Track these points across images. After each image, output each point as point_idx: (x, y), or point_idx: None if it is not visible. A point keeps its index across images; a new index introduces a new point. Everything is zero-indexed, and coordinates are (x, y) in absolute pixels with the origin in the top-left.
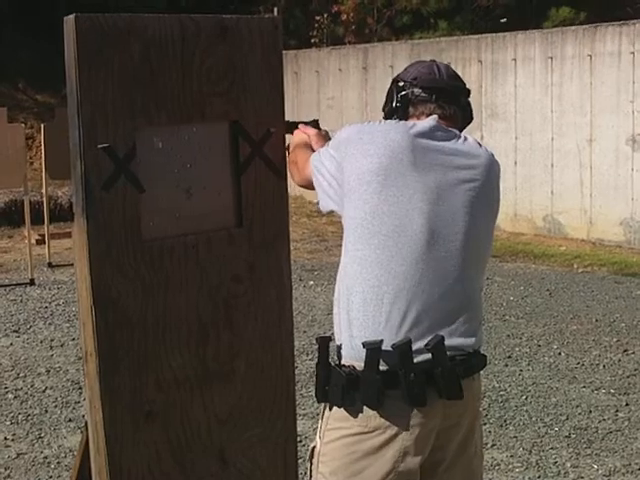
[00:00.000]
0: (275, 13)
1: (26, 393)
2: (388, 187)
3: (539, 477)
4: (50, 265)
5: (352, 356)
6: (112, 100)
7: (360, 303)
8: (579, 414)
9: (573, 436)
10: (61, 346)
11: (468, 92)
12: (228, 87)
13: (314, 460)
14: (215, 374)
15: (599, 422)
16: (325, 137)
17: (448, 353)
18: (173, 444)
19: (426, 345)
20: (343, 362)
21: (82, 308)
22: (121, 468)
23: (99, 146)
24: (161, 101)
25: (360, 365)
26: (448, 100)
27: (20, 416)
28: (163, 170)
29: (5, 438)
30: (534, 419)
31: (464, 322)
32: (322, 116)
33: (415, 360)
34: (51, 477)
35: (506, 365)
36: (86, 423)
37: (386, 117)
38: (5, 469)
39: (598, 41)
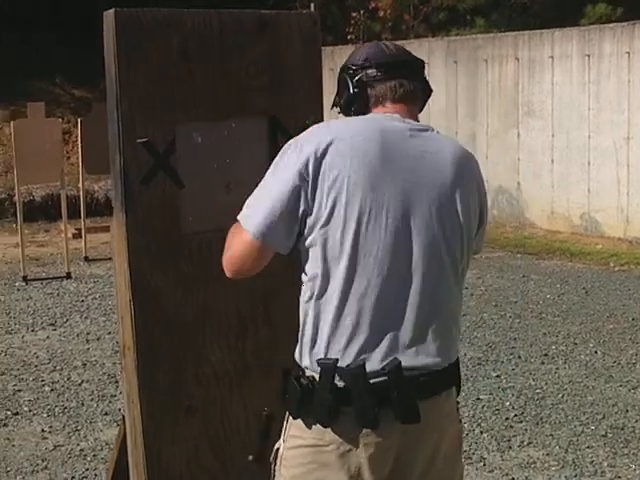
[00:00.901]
0: (312, 9)
1: (62, 386)
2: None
3: (575, 476)
4: (86, 259)
5: (313, 368)
6: (151, 95)
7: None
8: (616, 413)
9: (610, 435)
10: (97, 340)
11: (422, 63)
12: (267, 82)
13: (277, 461)
14: (254, 369)
15: (636, 421)
16: None
17: (411, 373)
18: (212, 439)
19: (382, 368)
20: (306, 372)
21: (121, 302)
22: (159, 462)
23: (138, 141)
24: (200, 96)
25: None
26: (406, 74)
27: (57, 409)
28: (202, 165)
29: (42, 430)
30: (570, 417)
31: (433, 339)
32: None
33: (371, 381)
34: (87, 469)
35: (542, 363)
36: (123, 417)
37: (343, 108)
38: (42, 460)
39: (637, 38)
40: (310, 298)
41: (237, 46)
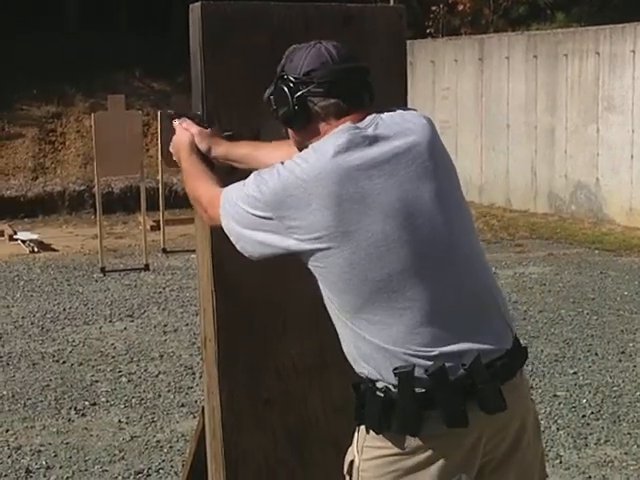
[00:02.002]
0: (392, 2)
1: (139, 377)
2: None
3: None
4: (164, 251)
5: (386, 379)
6: (237, 89)
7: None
8: None
9: None
10: (174, 331)
11: (367, 70)
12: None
13: (353, 474)
14: (332, 363)
15: None
16: (212, 135)
17: (487, 360)
18: (290, 432)
19: (462, 364)
20: (377, 384)
21: (203, 293)
22: (237, 454)
23: (224, 134)
24: None
25: (394, 386)
26: (352, 88)
27: (134, 400)
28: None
29: (119, 421)
30: None
31: (493, 316)
32: (437, 106)
33: (453, 379)
34: (164, 461)
35: (620, 360)
36: (202, 408)
37: (282, 121)
38: (119, 451)
39: None
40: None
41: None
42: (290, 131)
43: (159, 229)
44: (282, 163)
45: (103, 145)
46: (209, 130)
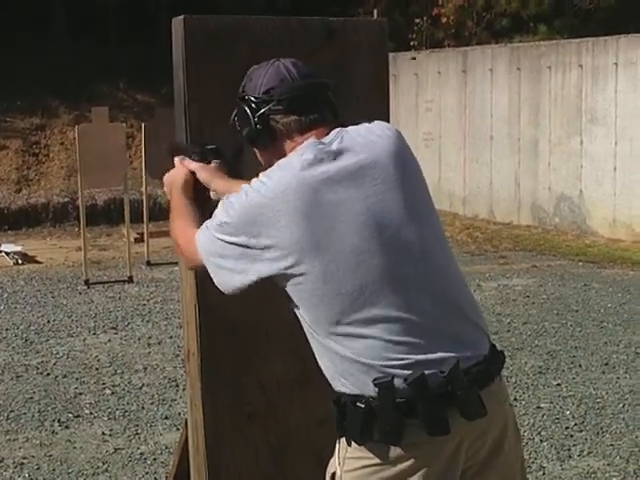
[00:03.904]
0: (375, 16)
1: (123, 389)
2: None
3: None
4: (148, 263)
5: (366, 391)
6: (219, 101)
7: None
8: None
9: None
10: (158, 344)
11: (328, 85)
12: (334, 89)
13: None
14: (314, 376)
15: None
16: (216, 169)
17: (465, 366)
18: (272, 445)
19: (440, 371)
20: (358, 397)
21: (186, 308)
22: (220, 467)
23: (207, 147)
24: None
25: (374, 398)
26: (313, 103)
27: (117, 412)
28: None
29: (103, 433)
30: (631, 427)
31: (468, 323)
32: (420, 119)
33: (432, 387)
34: (147, 473)
35: (603, 372)
36: (186, 421)
37: (249, 142)
38: (103, 463)
39: None
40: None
41: (305, 54)
42: (257, 151)
43: (143, 241)
44: (250, 184)
45: (87, 157)
46: (212, 165)
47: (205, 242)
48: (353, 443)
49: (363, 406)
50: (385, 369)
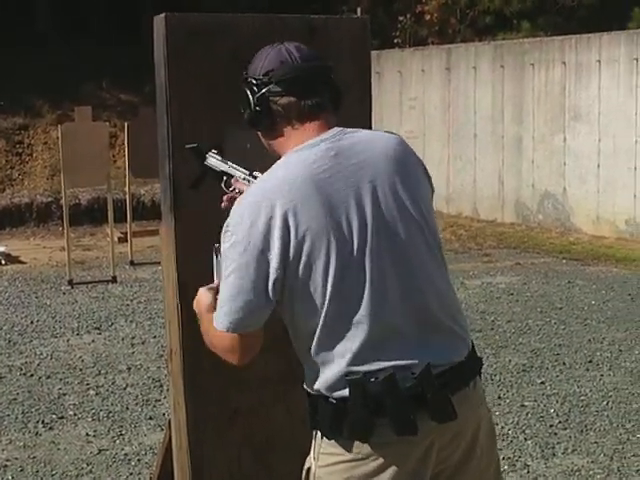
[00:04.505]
0: (358, 13)
1: (107, 390)
2: None
3: None
4: (132, 263)
5: (339, 387)
6: (201, 100)
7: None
8: None
9: None
10: (142, 344)
11: (330, 69)
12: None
13: None
14: (298, 374)
15: None
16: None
17: (438, 371)
18: (256, 444)
19: (411, 373)
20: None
21: (168, 306)
22: (203, 467)
23: (187, 146)
24: None
25: (346, 394)
26: (312, 88)
27: (101, 413)
28: (251, 170)
29: (87, 434)
30: (615, 425)
31: (446, 331)
32: (404, 117)
33: (403, 388)
34: (132, 474)
35: (587, 370)
36: (169, 421)
37: (250, 124)
38: (87, 465)
39: None
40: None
41: None
42: (260, 136)
43: (127, 241)
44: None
45: (70, 157)
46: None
47: (225, 306)
48: (327, 439)
49: (335, 402)
50: (358, 367)
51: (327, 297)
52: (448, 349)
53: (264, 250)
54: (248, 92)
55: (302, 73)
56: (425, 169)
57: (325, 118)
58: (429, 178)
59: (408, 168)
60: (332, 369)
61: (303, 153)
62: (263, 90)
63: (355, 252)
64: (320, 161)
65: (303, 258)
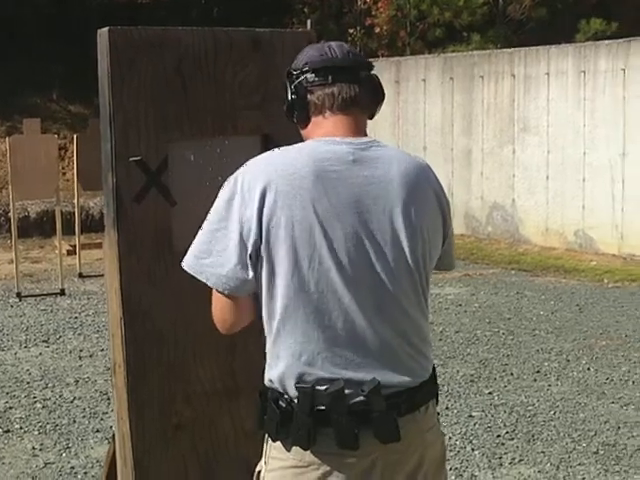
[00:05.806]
0: (308, 26)
1: (54, 403)
2: None
3: None
4: (81, 275)
5: (290, 392)
6: (144, 113)
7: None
8: (607, 430)
9: (601, 452)
10: (90, 356)
11: (369, 65)
12: (260, 100)
13: None
14: (243, 385)
15: (628, 438)
16: None
17: (388, 392)
18: (200, 456)
19: (361, 390)
20: (284, 396)
21: (112, 320)
22: (149, 478)
23: (131, 159)
24: (193, 114)
25: (295, 400)
26: (347, 78)
27: (48, 426)
28: (194, 183)
29: (33, 447)
30: (562, 434)
31: (406, 357)
32: None
33: (350, 402)
34: None
35: (535, 380)
36: (113, 434)
37: (287, 114)
38: (32, 478)
39: (632, 55)
40: (278, 330)
41: (231, 64)
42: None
43: (75, 253)
44: None
45: (19, 169)
46: None
47: (191, 258)
48: (273, 443)
49: (284, 405)
50: (312, 375)
51: (306, 290)
52: (406, 373)
53: (248, 219)
54: (287, 83)
55: (339, 64)
56: (441, 202)
57: (357, 114)
58: (443, 211)
59: (417, 197)
60: (289, 365)
61: (322, 146)
62: (300, 78)
63: (333, 258)
64: (334, 160)
65: (281, 239)
